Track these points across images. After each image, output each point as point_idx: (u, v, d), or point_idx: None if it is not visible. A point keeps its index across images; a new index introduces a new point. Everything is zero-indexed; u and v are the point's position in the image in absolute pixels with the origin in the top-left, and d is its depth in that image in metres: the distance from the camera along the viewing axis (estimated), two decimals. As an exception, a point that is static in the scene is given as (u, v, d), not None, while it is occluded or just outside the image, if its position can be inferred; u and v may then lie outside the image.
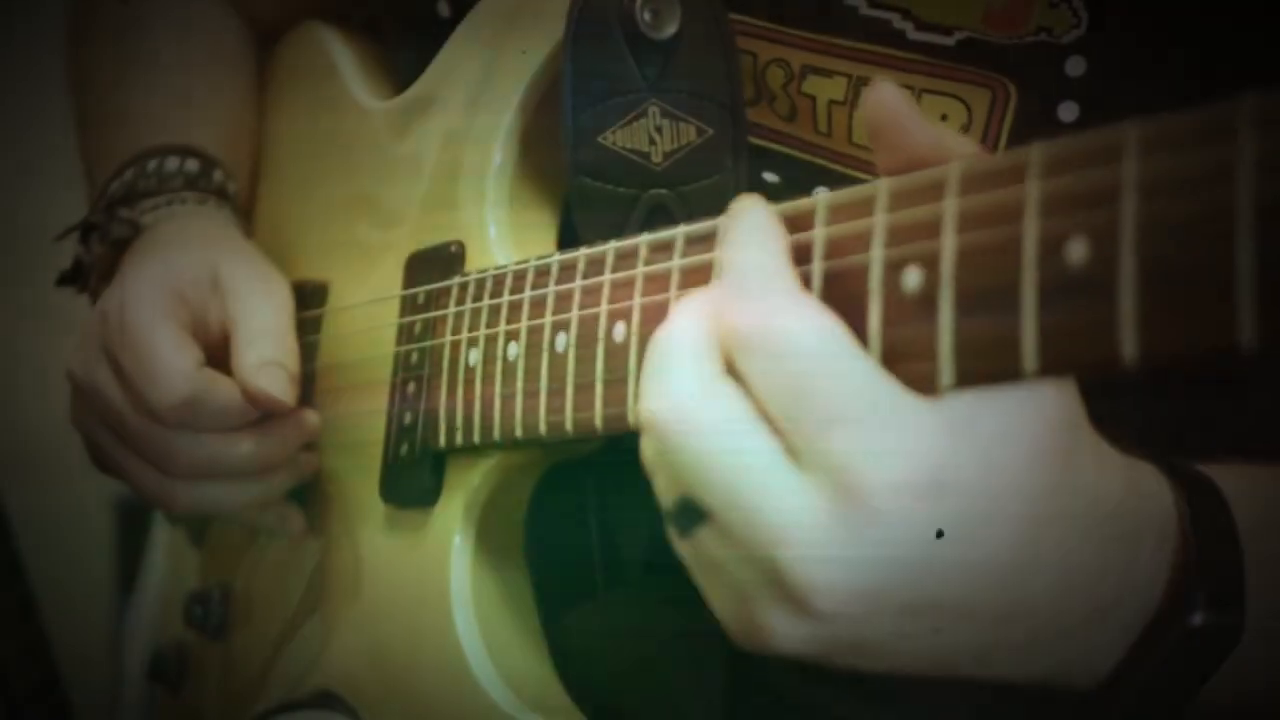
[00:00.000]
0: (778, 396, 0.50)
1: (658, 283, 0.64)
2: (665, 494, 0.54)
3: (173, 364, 0.83)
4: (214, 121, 1.02)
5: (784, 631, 0.52)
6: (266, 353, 0.84)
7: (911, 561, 0.49)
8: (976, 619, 0.53)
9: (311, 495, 0.92)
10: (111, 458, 0.88)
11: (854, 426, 0.49)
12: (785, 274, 0.53)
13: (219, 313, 0.87)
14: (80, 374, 0.86)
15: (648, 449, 0.54)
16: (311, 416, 0.88)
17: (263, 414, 0.85)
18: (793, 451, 0.50)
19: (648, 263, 0.65)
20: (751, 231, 0.55)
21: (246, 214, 1.01)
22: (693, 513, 0.52)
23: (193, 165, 0.96)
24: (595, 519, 0.80)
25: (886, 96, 0.55)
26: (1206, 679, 0.59)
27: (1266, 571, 0.58)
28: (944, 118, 0.72)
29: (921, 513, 0.49)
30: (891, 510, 0.48)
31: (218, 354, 0.86)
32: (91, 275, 0.95)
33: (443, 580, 0.78)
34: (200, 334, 0.86)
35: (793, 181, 0.78)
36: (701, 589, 0.55)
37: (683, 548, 0.54)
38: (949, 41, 0.71)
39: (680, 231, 0.64)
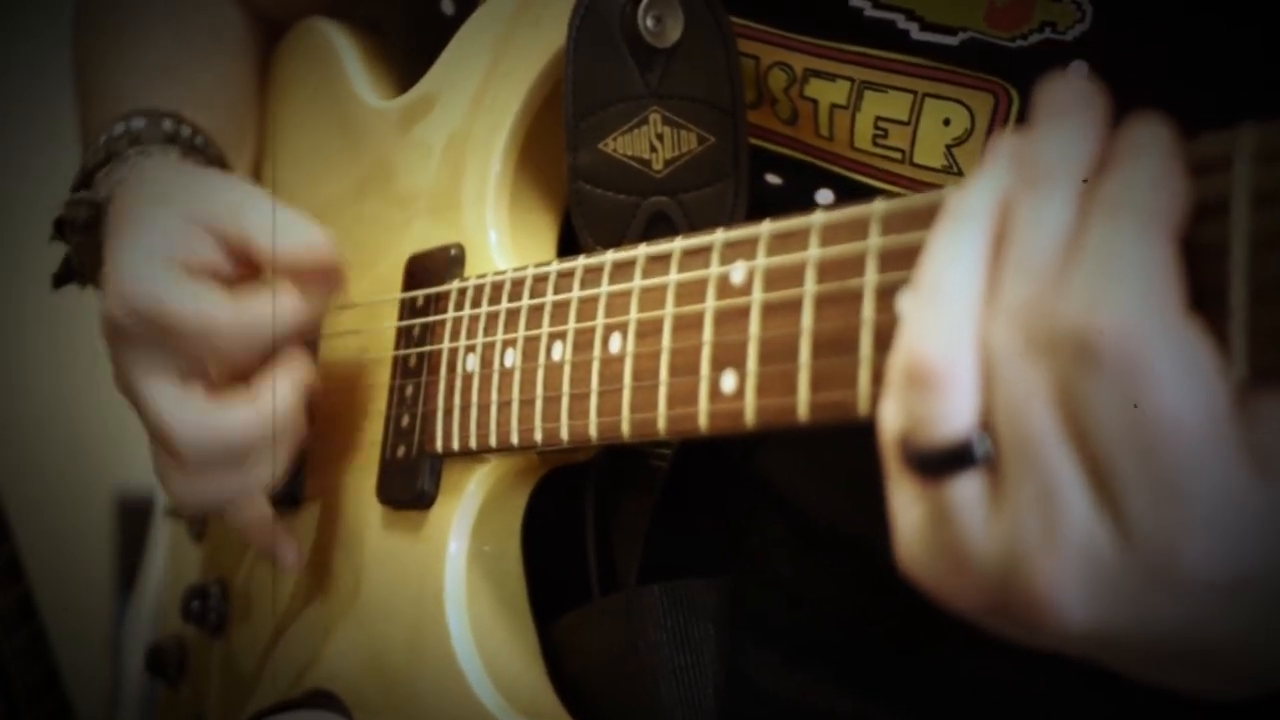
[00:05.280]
0: (1117, 444, 0.45)
1: (653, 295, 0.64)
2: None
3: (201, 305, 0.80)
4: (206, 101, 0.99)
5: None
6: (294, 227, 0.81)
7: (1179, 624, 0.46)
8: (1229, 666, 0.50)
9: (310, 492, 0.92)
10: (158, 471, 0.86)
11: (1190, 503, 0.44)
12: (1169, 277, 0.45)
13: (221, 247, 0.82)
14: (125, 393, 0.84)
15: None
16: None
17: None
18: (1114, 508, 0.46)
19: (645, 274, 0.65)
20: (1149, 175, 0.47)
21: (220, 160, 0.97)
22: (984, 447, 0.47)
23: (138, 123, 0.93)
24: (590, 523, 0.80)
25: None
26: None
27: None
28: (946, 122, 0.72)
29: (1216, 600, 0.46)
30: (1192, 593, 0.45)
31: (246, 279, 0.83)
32: (84, 267, 0.92)
33: (437, 583, 0.78)
34: (218, 277, 0.83)
35: (795, 184, 0.78)
36: (902, 518, 0.50)
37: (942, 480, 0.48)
38: (953, 41, 0.70)
39: (678, 245, 0.64)
